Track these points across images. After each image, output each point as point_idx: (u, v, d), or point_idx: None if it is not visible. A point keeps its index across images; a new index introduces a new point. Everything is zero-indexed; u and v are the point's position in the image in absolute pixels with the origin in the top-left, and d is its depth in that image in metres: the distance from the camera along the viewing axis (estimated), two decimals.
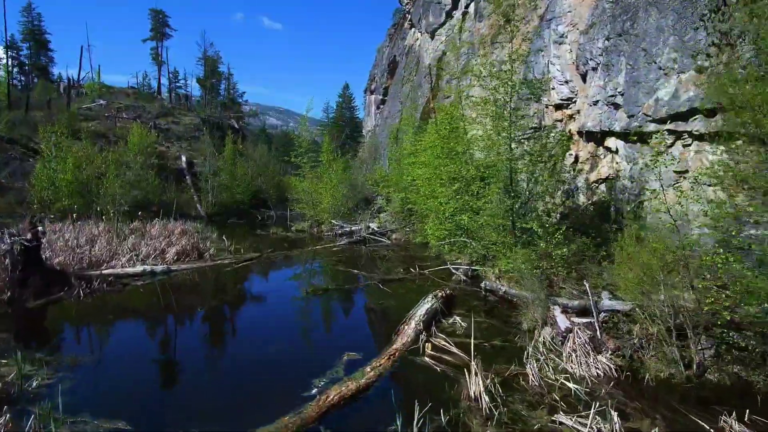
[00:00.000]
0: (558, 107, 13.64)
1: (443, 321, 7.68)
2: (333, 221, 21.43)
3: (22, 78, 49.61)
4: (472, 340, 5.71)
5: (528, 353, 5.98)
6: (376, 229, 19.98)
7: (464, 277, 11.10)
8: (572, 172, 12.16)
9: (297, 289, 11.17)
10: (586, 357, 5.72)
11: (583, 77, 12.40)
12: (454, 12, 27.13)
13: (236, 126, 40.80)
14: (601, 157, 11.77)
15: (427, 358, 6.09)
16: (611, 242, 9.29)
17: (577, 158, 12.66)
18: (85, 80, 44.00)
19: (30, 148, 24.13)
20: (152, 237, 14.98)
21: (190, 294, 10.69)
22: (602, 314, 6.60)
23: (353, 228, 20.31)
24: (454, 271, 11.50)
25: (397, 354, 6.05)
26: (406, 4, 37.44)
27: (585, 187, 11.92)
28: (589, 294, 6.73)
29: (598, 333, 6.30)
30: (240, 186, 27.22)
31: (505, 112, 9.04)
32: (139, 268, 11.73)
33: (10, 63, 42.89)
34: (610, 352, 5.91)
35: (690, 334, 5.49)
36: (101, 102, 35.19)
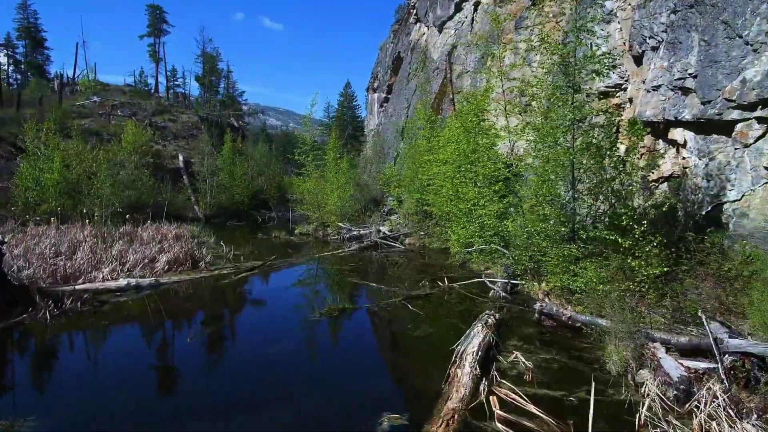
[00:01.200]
0: (602, 95, 11.96)
1: (500, 358, 5.98)
2: (340, 224, 19.76)
3: (18, 76, 48.22)
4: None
5: (642, 418, 4.29)
6: (387, 233, 18.30)
7: (503, 293, 9.42)
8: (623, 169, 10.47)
9: (306, 307, 9.32)
10: (730, 425, 4.05)
11: (637, 59, 10.72)
12: (464, 3, 25.41)
13: (236, 125, 39.30)
14: (662, 151, 10.09)
15: (499, 425, 4.37)
16: (694, 253, 7.65)
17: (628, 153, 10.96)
18: (80, 77, 42.54)
19: (18, 146, 22.71)
20: (143, 242, 13.37)
21: (180, 312, 9.03)
22: (727, 357, 4.92)
23: (362, 232, 18.64)
24: (490, 285, 9.80)
25: (456, 417, 4.35)
26: None
27: (642, 187, 10.23)
28: (708, 329, 5.04)
29: (726, 385, 4.63)
30: (239, 186, 25.79)
31: (566, 94, 7.39)
32: (122, 282, 10.05)
33: (5, 61, 41.54)
34: (755, 416, 4.24)
35: None
36: (95, 99, 33.60)
